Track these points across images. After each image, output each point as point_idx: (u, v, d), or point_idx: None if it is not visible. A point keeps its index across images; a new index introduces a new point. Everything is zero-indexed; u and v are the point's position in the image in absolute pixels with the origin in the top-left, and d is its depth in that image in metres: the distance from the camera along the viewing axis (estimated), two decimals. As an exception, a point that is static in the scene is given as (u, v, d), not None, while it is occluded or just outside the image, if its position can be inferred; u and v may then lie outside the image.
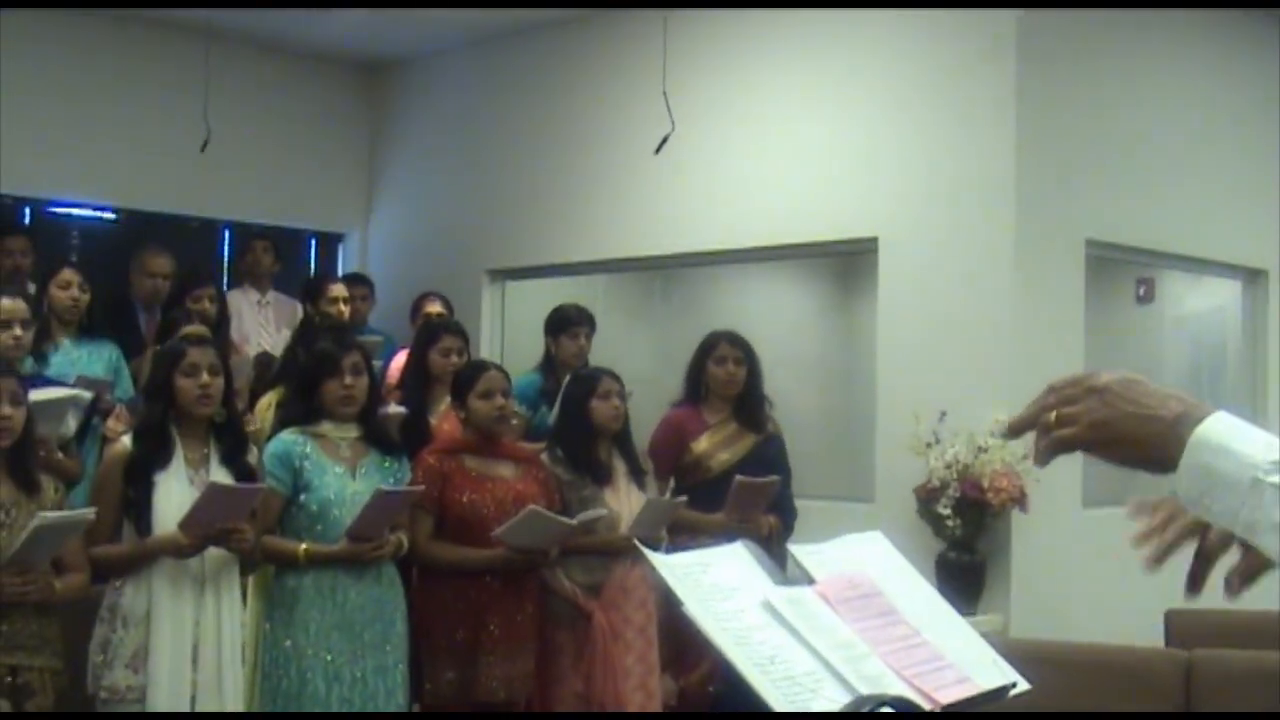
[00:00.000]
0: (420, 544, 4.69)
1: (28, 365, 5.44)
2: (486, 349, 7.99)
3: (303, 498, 4.42)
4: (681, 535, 5.20)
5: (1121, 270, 7.12)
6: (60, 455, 4.81)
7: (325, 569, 4.40)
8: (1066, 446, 1.53)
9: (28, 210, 7.93)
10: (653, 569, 1.95)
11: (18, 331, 4.99)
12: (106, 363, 5.90)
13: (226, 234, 8.69)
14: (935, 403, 5.95)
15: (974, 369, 6.07)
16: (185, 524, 4.06)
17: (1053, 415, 1.54)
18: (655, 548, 4.65)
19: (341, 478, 4.47)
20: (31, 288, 6.31)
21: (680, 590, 1.86)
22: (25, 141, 7.53)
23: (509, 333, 8.28)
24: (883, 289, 6.47)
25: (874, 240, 6.51)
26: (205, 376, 4.21)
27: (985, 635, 2.08)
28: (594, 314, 6.25)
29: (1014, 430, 1.59)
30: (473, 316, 7.79)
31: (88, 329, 5.95)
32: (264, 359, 6.56)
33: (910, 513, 5.92)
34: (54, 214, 8.07)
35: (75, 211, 8.17)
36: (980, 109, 6.18)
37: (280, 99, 8.67)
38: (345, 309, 6.99)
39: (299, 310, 7.44)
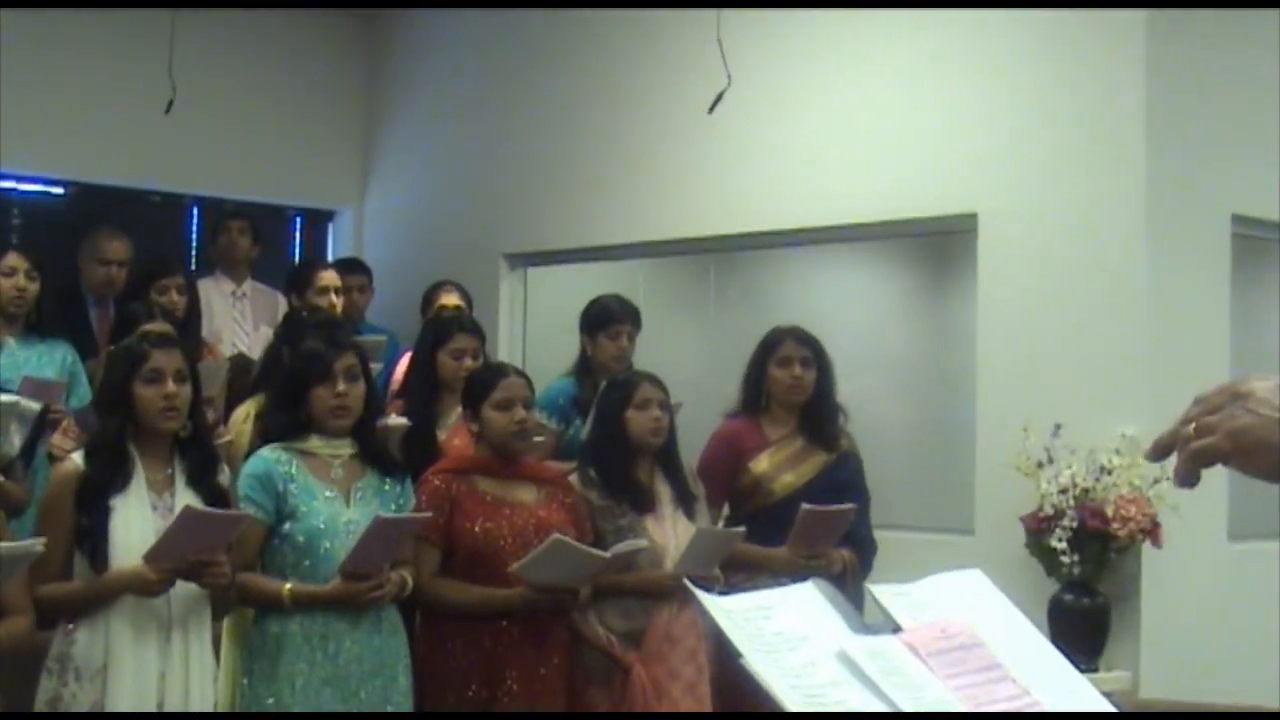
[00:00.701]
0: (425, 582, 4.70)
1: (-38, 369, 5.49)
2: (504, 349, 8.02)
3: (287, 527, 4.43)
4: (738, 573, 5.20)
5: (1274, 251, 7.06)
6: (0, 477, 4.81)
7: (314, 613, 4.40)
8: (1204, 458, 1.56)
9: (-41, 186, 8.01)
10: (704, 613, 1.95)
11: None
12: (59, 365, 5.94)
13: (195, 212, 8.75)
14: (1048, 414, 5.93)
15: (1095, 372, 6.04)
16: (152, 555, 4.06)
17: (1191, 426, 1.56)
18: (707, 588, 4.65)
19: (333, 503, 4.48)
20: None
21: (738, 639, 1.86)
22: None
23: (531, 330, 8.31)
24: (983, 276, 6.45)
25: (972, 217, 6.49)
26: (170, 384, 4.22)
27: (1109, 695, 2.07)
28: (638, 309, 6.24)
29: (1157, 451, 1.61)
30: (488, 310, 7.81)
31: (36, 325, 5.99)
32: (240, 361, 6.60)
33: (1017, 547, 5.90)
34: (-9, 190, 8.15)
35: (16, 186, 8.23)
36: (1104, 65, 6.15)
37: (258, 52, 8.71)
38: (338, 301, 7.02)
39: (282, 303, 7.47)
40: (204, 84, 8.04)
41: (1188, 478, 1.60)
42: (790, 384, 5.52)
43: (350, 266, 7.73)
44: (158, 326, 5.47)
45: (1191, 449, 1.57)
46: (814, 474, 5.48)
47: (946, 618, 1.99)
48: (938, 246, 7.46)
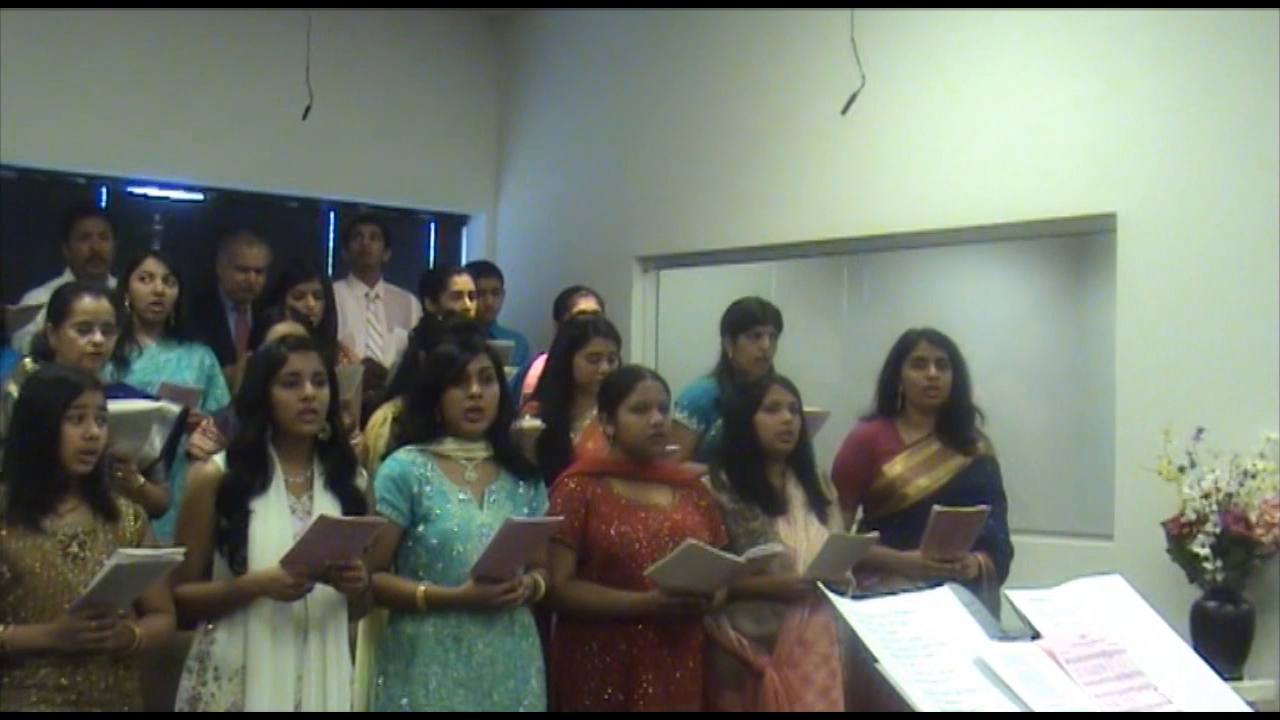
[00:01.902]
0: (560, 585, 4.72)
1: (106, 372, 5.58)
2: (638, 352, 8.04)
3: (421, 529, 4.47)
4: (871, 577, 5.18)
5: None
6: (141, 479, 4.88)
7: (448, 615, 4.44)
8: None
9: (104, 191, 8.17)
10: (838, 618, 1.95)
11: (98, 337, 5.00)
12: (197, 369, 6.02)
13: (332, 217, 8.86)
14: (1189, 416, 5.84)
15: (1238, 375, 5.94)
16: (289, 559, 4.11)
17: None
18: (840, 592, 4.64)
19: (466, 506, 4.51)
20: (111, 282, 6.47)
21: (873, 644, 1.85)
22: (100, 113, 7.79)
23: (664, 333, 8.32)
24: (1122, 277, 6.37)
25: (1111, 217, 6.40)
26: (308, 387, 4.27)
27: (1253, 705, 2.04)
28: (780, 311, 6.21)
29: None
30: (621, 313, 7.84)
31: (174, 329, 6.07)
32: (371, 365, 6.67)
33: (1158, 552, 5.81)
34: (133, 195, 8.31)
35: (157, 193, 8.40)
36: (1243, 64, 6.03)
37: (393, 58, 8.82)
38: (472, 305, 7.07)
39: (414, 305, 7.56)
40: (340, 90, 8.15)
41: None
42: (925, 386, 5.49)
43: (483, 269, 7.80)
44: (289, 327, 5.55)
45: None
46: (950, 478, 5.44)
47: (1086, 624, 1.97)
48: (1076, 247, 7.37)
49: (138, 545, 4.10)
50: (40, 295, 6.01)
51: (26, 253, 7.36)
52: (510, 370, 5.51)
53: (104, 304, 5.08)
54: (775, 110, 7.67)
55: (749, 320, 6.02)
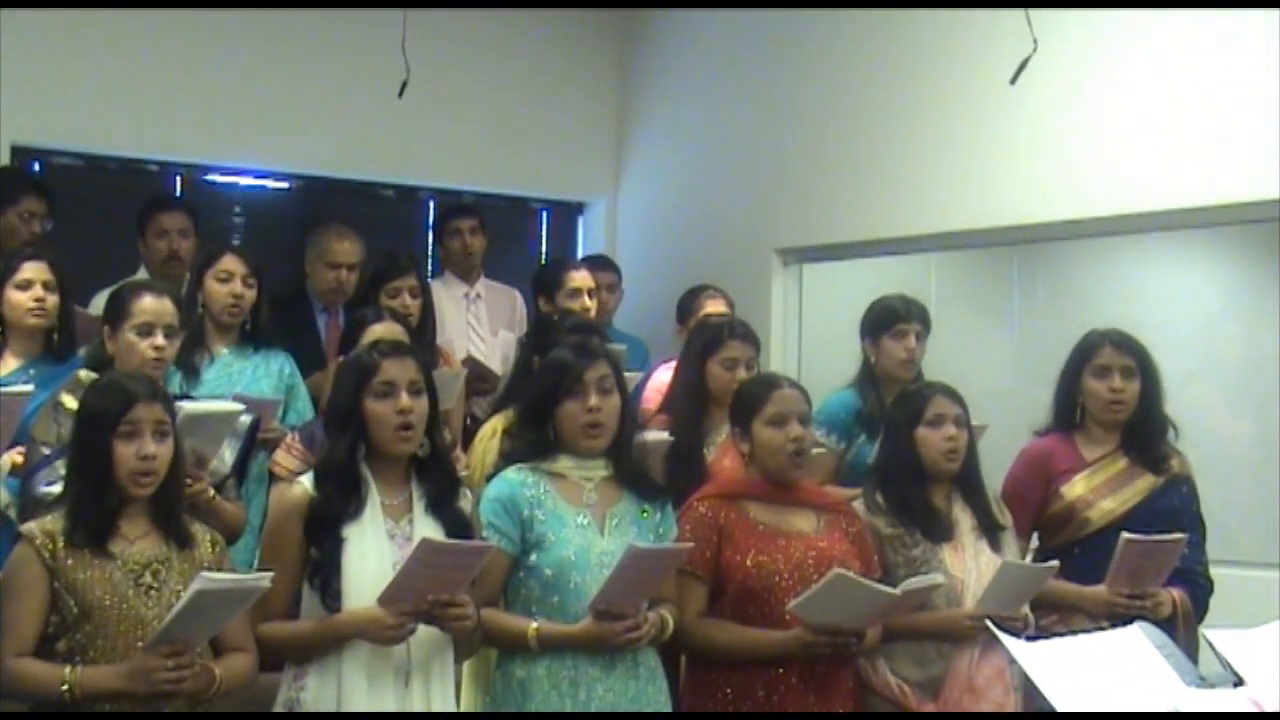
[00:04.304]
0: (689, 622, 4.72)
1: (174, 382, 5.65)
2: (778, 357, 8.04)
3: (533, 558, 4.49)
4: (1050, 614, 5.15)
5: None
6: (213, 493, 4.87)
7: (563, 655, 4.45)
8: None
9: (178, 180, 8.30)
10: (1012, 661, 1.94)
11: (160, 340, 5.04)
12: (276, 379, 6.06)
13: (431, 206, 8.92)
14: None
15: None
16: (389, 596, 4.10)
17: None
18: (1014, 631, 4.60)
19: (585, 531, 4.52)
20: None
21: (1051, 692, 1.84)
22: (173, 94, 7.91)
23: (807, 335, 8.31)
24: (1339, 270, 6.28)
25: (1324, 200, 6.32)
26: (405, 398, 4.28)
27: None
28: (926, 308, 6.20)
29: None
30: (758, 313, 7.84)
31: (252, 335, 6.11)
32: (475, 366, 6.69)
33: (1381, 587, 5.73)
34: (210, 184, 8.43)
35: (236, 180, 8.52)
36: None
37: (498, 31, 8.87)
38: (591, 304, 7.09)
39: (520, 302, 7.60)
40: (440, 64, 8.19)
41: None
42: (1109, 397, 5.44)
43: (598, 264, 7.81)
44: (385, 328, 5.54)
45: None
46: (1138, 500, 5.39)
47: (1298, 669, 1.94)
48: (1283, 235, 7.28)
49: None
50: (111, 298, 6.11)
51: (97, 250, 7.47)
52: (631, 377, 5.52)
53: (167, 304, 5.11)
54: (932, 81, 7.63)
55: (891, 318, 6.02)
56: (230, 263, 6.04)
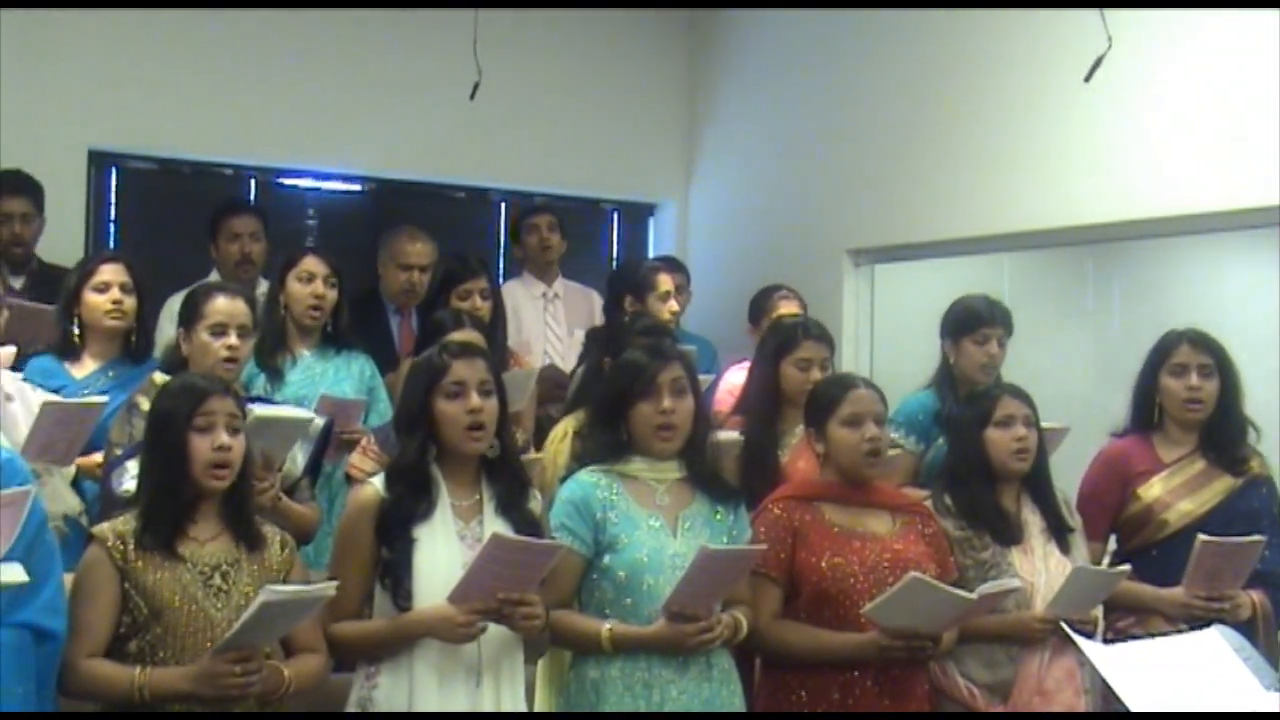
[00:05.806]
0: (764, 624, 4.70)
1: (258, 385, 5.70)
2: (849, 358, 8.02)
3: (606, 560, 4.49)
4: (1124, 616, 5.13)
5: None
6: (283, 496, 4.92)
7: (637, 657, 4.45)
8: None
9: (252, 183, 8.36)
10: (1084, 663, 1.93)
11: (233, 340, 5.06)
12: (358, 380, 6.10)
13: (503, 208, 8.96)
14: None
15: None
16: (459, 595, 4.12)
17: None
18: (1088, 634, 4.58)
19: (658, 533, 4.52)
20: (262, 285, 6.59)
21: (1127, 694, 1.83)
22: (246, 98, 7.98)
23: (879, 336, 8.28)
24: None
25: None
26: (474, 399, 4.29)
27: None
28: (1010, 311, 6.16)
29: None
30: (831, 313, 7.81)
31: (333, 336, 6.14)
32: (550, 373, 6.70)
33: None
34: (283, 187, 8.49)
35: (310, 184, 8.58)
36: None
37: (569, 34, 8.89)
38: (677, 306, 7.09)
39: (597, 303, 7.60)
40: (512, 67, 8.22)
41: None
42: (1186, 396, 5.41)
43: (670, 265, 7.78)
44: (464, 335, 5.55)
45: None
46: (1216, 502, 5.36)
47: (1381, 673, 1.92)
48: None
49: (285, 576, 4.18)
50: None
51: (171, 253, 7.54)
52: (705, 378, 5.51)
53: (240, 305, 5.14)
54: (1007, 79, 7.60)
55: (975, 321, 5.98)
56: (312, 264, 6.08)
